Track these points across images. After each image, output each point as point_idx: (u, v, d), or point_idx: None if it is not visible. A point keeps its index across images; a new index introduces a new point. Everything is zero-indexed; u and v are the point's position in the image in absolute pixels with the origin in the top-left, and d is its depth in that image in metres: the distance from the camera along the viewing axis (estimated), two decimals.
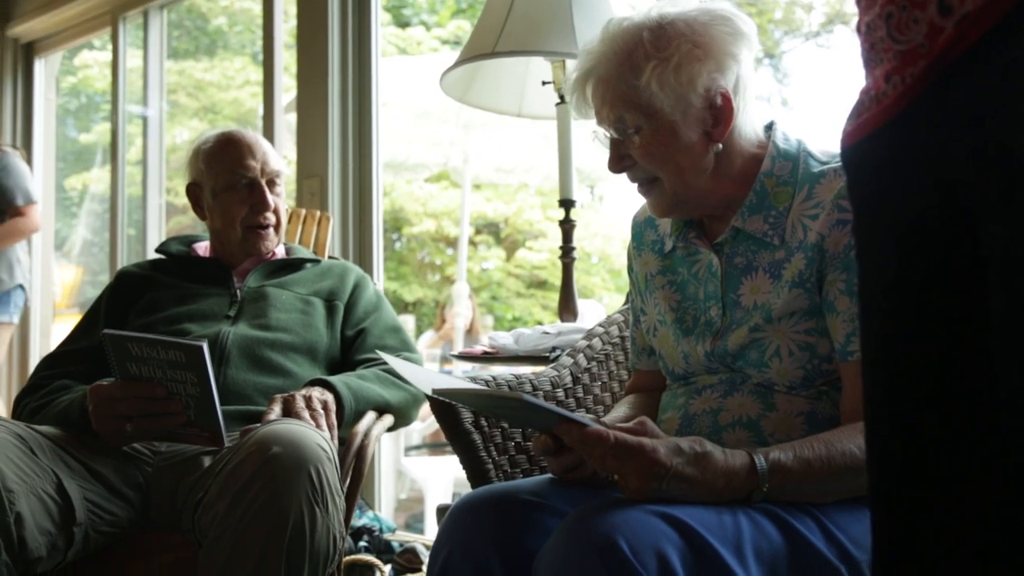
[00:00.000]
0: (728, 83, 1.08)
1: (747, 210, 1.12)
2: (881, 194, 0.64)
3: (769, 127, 1.16)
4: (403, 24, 7.73)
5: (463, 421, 1.29)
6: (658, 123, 1.08)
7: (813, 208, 1.08)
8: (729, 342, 1.12)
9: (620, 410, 1.28)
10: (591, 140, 1.18)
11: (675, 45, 1.06)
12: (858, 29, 0.67)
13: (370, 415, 1.52)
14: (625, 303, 1.57)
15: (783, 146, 1.13)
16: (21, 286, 3.44)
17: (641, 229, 1.27)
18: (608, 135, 1.13)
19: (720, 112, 1.08)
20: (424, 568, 2.06)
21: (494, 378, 1.37)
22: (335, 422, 1.42)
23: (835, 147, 1.11)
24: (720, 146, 1.10)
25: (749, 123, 1.12)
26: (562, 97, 1.85)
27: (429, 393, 1.10)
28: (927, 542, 0.60)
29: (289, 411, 1.38)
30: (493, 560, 0.99)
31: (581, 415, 0.98)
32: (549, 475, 1.13)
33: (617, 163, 1.13)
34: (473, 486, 1.30)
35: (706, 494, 0.94)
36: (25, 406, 1.53)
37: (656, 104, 1.07)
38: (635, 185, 1.15)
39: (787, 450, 0.97)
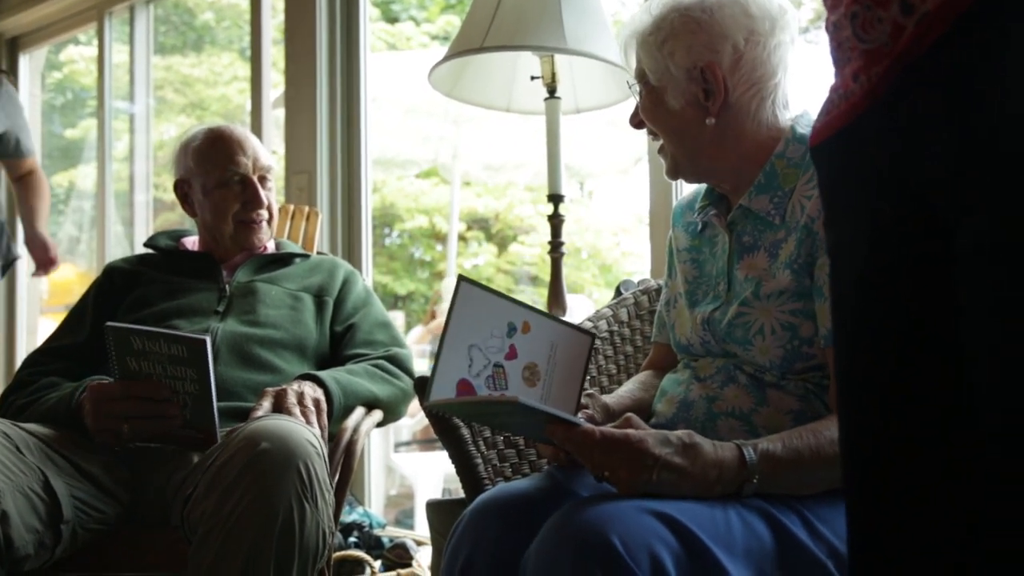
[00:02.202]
0: (720, 60, 1.11)
1: (755, 190, 1.15)
2: (849, 191, 0.65)
3: (799, 116, 1.18)
4: (392, 19, 7.70)
5: (452, 416, 1.29)
6: (648, 87, 1.17)
7: (812, 189, 1.10)
8: (724, 316, 1.14)
9: (628, 385, 1.32)
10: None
11: (670, 19, 1.13)
12: (827, 28, 0.68)
13: (359, 410, 1.52)
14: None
15: (801, 131, 1.15)
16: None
17: (681, 211, 1.33)
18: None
19: (710, 87, 1.12)
20: (415, 564, 2.06)
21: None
22: (327, 423, 1.42)
23: None
24: (713, 120, 1.13)
25: (765, 105, 1.15)
26: (551, 92, 1.85)
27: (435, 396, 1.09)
28: (897, 533, 0.60)
29: (280, 406, 1.38)
30: (516, 562, 0.98)
31: (570, 414, 0.98)
32: (558, 471, 1.14)
33: (632, 117, 1.23)
34: (463, 481, 1.30)
35: (698, 486, 0.94)
36: (12, 403, 1.52)
37: (645, 69, 1.17)
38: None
39: (775, 441, 0.98)
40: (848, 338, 0.65)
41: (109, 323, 1.35)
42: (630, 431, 0.95)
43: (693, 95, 1.13)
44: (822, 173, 0.69)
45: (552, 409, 0.96)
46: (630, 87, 1.22)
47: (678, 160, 1.19)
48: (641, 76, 1.18)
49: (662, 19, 1.14)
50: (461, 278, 1.06)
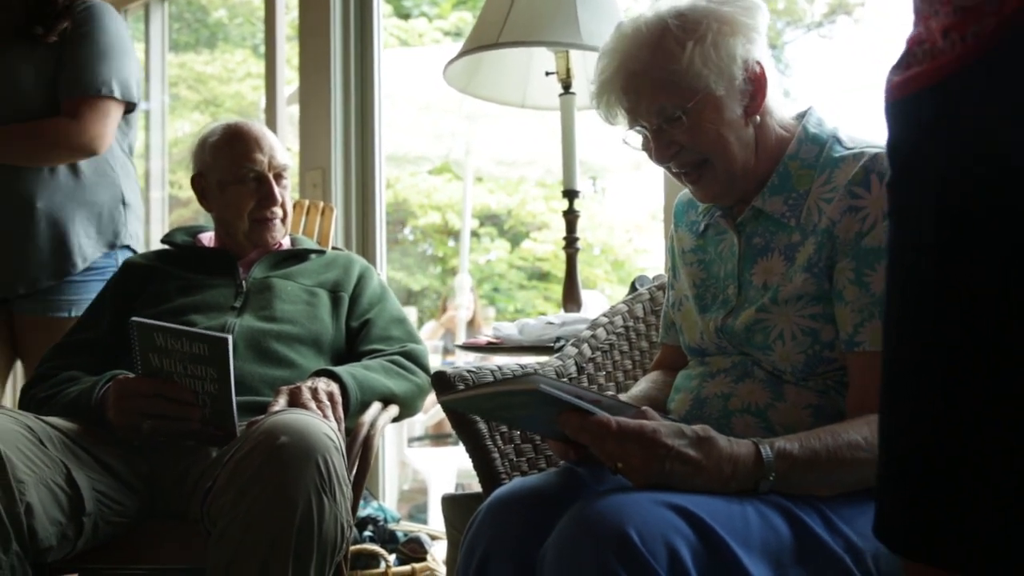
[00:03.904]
0: (759, 54, 1.10)
1: (768, 191, 1.13)
2: (927, 156, 0.60)
3: (803, 113, 1.17)
4: (404, 15, 7.71)
5: (467, 412, 1.29)
6: (703, 101, 1.08)
7: (830, 192, 1.09)
8: (738, 321, 1.13)
9: (640, 386, 1.31)
10: (621, 144, 1.19)
11: (705, 24, 1.08)
12: None
13: (376, 405, 1.53)
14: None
15: (813, 130, 1.14)
16: (128, 246, 2.06)
17: (683, 208, 1.30)
18: (645, 130, 1.13)
19: (757, 83, 1.10)
20: (430, 558, 2.07)
21: (499, 367, 1.38)
22: (342, 415, 1.43)
23: (867, 135, 1.12)
24: (758, 119, 1.12)
25: (776, 98, 1.14)
26: (566, 87, 1.85)
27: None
28: (936, 520, 0.58)
29: (295, 402, 1.39)
30: (534, 557, 0.98)
31: (585, 403, 0.96)
32: (575, 466, 1.13)
33: (666, 151, 1.12)
34: (479, 476, 1.30)
35: (712, 480, 0.94)
36: (33, 397, 1.54)
37: (700, 83, 1.08)
38: (681, 173, 1.15)
39: (793, 440, 0.98)
40: (908, 306, 0.61)
41: (134, 318, 1.37)
42: (644, 422, 0.95)
43: (744, 96, 1.10)
44: (896, 131, 0.64)
45: (570, 397, 0.94)
46: (657, 120, 1.10)
47: (732, 173, 1.12)
48: (686, 97, 1.08)
49: (696, 24, 1.08)
50: (537, 385, 0.90)
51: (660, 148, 1.13)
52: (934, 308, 0.59)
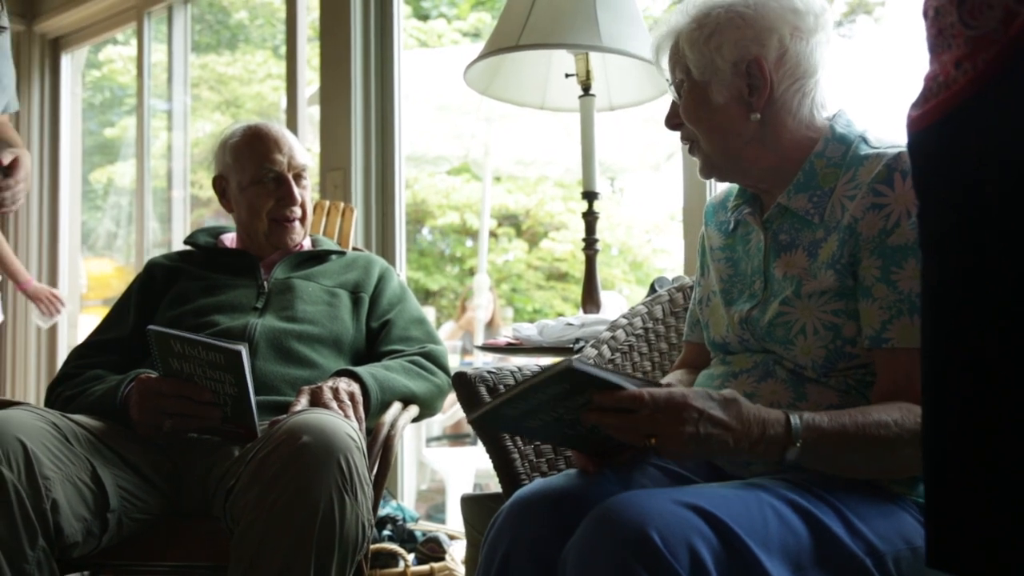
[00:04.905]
0: (766, 55, 1.11)
1: (794, 188, 1.15)
2: (951, 182, 0.63)
3: (834, 114, 1.17)
4: (423, 16, 7.73)
5: (498, 429, 1.30)
6: (692, 83, 1.15)
7: (853, 190, 1.09)
8: (763, 314, 1.14)
9: (663, 383, 1.31)
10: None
11: (715, 14, 1.13)
12: (925, 14, 0.66)
13: (396, 405, 1.54)
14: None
15: (841, 130, 1.15)
16: None
17: (713, 210, 1.33)
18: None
19: (756, 81, 1.11)
20: (448, 558, 2.08)
21: (519, 368, 1.38)
22: (363, 415, 1.44)
23: (896, 135, 1.13)
24: (758, 115, 1.13)
25: (806, 103, 1.14)
26: (585, 89, 1.85)
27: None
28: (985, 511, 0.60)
29: (317, 402, 1.40)
30: (555, 558, 0.98)
31: (619, 379, 0.96)
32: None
33: (670, 119, 1.21)
34: (500, 477, 1.31)
35: (743, 441, 0.94)
36: (59, 395, 1.56)
37: (689, 65, 1.15)
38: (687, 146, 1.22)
39: (822, 414, 0.98)
40: (944, 337, 0.64)
41: (151, 327, 1.38)
42: (673, 390, 0.96)
43: (738, 90, 1.12)
44: (919, 163, 0.68)
45: (605, 374, 0.94)
46: (670, 86, 1.20)
47: (713, 159, 1.18)
48: (685, 72, 1.16)
49: (705, 15, 1.13)
50: (571, 363, 0.91)
51: (669, 114, 1.21)
52: (968, 332, 0.62)
